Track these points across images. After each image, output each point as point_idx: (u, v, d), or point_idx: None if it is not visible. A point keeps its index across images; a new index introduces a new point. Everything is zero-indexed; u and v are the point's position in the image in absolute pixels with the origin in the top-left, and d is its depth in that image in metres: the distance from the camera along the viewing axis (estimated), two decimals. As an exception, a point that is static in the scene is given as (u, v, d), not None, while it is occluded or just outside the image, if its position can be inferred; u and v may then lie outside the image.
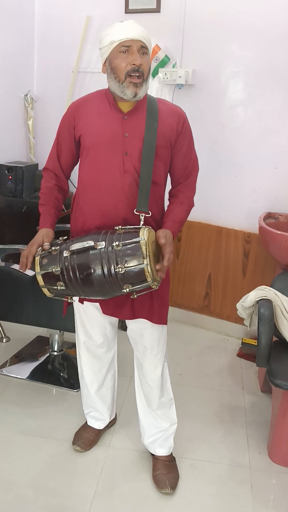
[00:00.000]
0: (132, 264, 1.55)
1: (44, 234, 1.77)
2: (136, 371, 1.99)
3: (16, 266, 2.41)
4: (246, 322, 2.32)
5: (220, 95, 2.90)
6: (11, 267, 2.40)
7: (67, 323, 2.35)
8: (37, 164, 3.40)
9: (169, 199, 1.87)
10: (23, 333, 2.96)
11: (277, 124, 2.79)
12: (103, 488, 1.91)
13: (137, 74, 1.63)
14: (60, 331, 2.68)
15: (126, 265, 1.55)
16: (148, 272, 1.55)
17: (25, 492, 1.87)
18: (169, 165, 1.81)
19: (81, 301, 1.88)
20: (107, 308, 1.82)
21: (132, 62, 1.62)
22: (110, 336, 1.99)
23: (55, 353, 2.72)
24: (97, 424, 2.13)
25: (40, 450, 2.09)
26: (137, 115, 1.71)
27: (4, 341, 2.91)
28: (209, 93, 2.92)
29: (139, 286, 1.59)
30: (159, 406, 1.96)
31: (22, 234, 3.17)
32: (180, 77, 2.86)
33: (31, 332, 2.95)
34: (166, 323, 1.88)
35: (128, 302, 1.76)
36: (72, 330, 2.37)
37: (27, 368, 2.64)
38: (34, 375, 2.59)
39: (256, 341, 2.07)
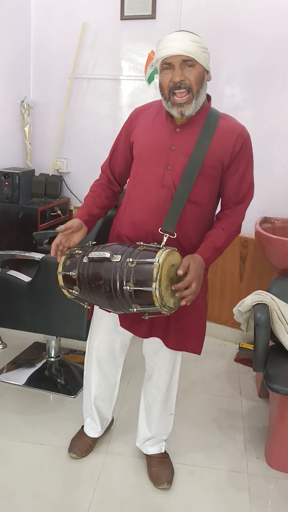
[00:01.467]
0: (141, 285, 1.48)
1: (66, 223, 1.69)
2: (145, 379, 1.99)
3: (12, 272, 2.41)
4: (243, 327, 2.32)
5: (216, 100, 2.88)
6: (8, 273, 2.40)
7: (64, 329, 2.35)
8: (33, 170, 3.41)
9: (214, 223, 1.76)
10: (20, 339, 2.95)
11: (272, 129, 2.80)
12: (100, 495, 1.90)
13: (181, 91, 1.56)
14: (57, 337, 2.67)
15: (135, 284, 1.49)
16: (156, 296, 1.47)
17: (22, 500, 1.86)
18: (217, 186, 1.71)
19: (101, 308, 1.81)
20: (125, 322, 1.79)
21: (172, 80, 1.56)
22: (117, 354, 1.95)
23: (52, 359, 2.71)
24: (91, 432, 2.11)
25: (37, 457, 2.08)
26: (190, 129, 1.64)
27: (0, 347, 2.90)
28: (205, 99, 2.93)
29: (148, 308, 1.53)
30: (158, 419, 1.97)
31: (19, 240, 3.18)
32: (176, 83, 2.87)
33: (28, 338, 2.94)
34: (180, 350, 1.81)
35: (146, 321, 1.68)
36: (69, 336, 2.37)
37: (24, 374, 2.63)
38: (31, 382, 2.57)
39: (253, 345, 2.07)
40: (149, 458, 2.03)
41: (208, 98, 1.70)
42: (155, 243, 1.59)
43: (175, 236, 1.62)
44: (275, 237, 2.43)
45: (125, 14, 3.04)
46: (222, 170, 1.67)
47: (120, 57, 3.15)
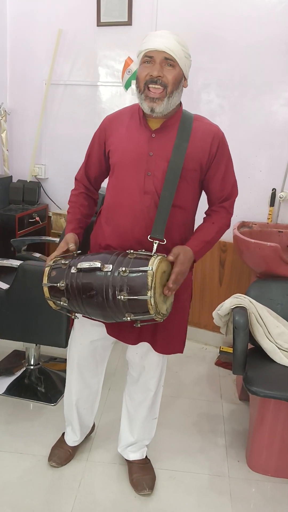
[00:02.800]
0: (135, 294, 1.47)
1: (67, 240, 1.70)
2: (127, 385, 1.97)
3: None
4: (222, 330, 2.33)
5: (193, 106, 2.92)
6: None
7: (43, 337, 2.33)
8: (11, 177, 3.39)
9: (203, 219, 1.78)
10: (-2, 347, 2.92)
11: (248, 134, 2.84)
12: (81, 503, 1.88)
13: (156, 86, 1.55)
14: (36, 345, 2.64)
15: (129, 293, 1.48)
16: (151, 304, 1.46)
17: (2, 510, 1.83)
18: (199, 189, 1.72)
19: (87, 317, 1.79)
20: (113, 330, 1.77)
21: (150, 73, 1.56)
22: (99, 359, 1.94)
23: (32, 367, 2.68)
24: (71, 441, 2.09)
25: (16, 466, 2.05)
26: (166, 134, 1.63)
27: (-21, 356, 2.86)
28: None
29: (141, 316, 1.52)
30: (141, 423, 1.96)
31: (-4, 247, 3.15)
32: (152, 89, 2.89)
33: (6, 346, 2.91)
34: (168, 353, 1.82)
35: (135, 327, 1.66)
36: (48, 343, 2.35)
37: (3, 383, 2.59)
38: (11, 390, 2.54)
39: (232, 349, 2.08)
40: (130, 464, 2.02)
41: (179, 105, 1.70)
42: (143, 250, 1.58)
43: (165, 242, 1.60)
44: (252, 241, 2.45)
45: (102, 21, 3.05)
46: (201, 171, 1.68)
47: (97, 63, 3.16)
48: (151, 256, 1.53)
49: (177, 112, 1.66)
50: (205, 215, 1.79)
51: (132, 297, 1.47)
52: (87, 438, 2.18)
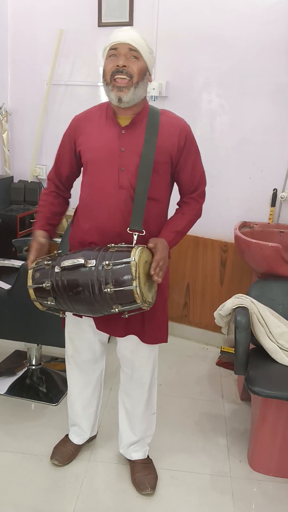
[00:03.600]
0: (121, 285, 1.51)
1: (36, 237, 1.76)
2: (122, 383, 1.98)
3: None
4: (223, 330, 2.34)
5: (193, 106, 2.94)
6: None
7: (45, 337, 2.34)
8: (12, 177, 3.39)
9: (175, 210, 1.85)
10: (0, 347, 2.92)
11: (249, 134, 2.84)
12: (84, 502, 1.89)
13: (122, 76, 1.59)
14: (38, 345, 2.65)
15: (115, 285, 1.52)
16: (137, 294, 1.51)
17: (4, 511, 1.83)
18: (170, 181, 1.78)
19: (77, 315, 1.83)
20: (101, 324, 1.80)
21: (116, 64, 1.60)
22: (98, 354, 1.96)
23: (33, 367, 2.69)
24: (77, 439, 2.10)
25: (18, 466, 2.05)
26: (135, 129, 1.67)
27: (-19, 357, 2.86)
28: (183, 105, 2.96)
29: (129, 307, 1.56)
30: (141, 420, 1.97)
31: (-2, 247, 3.15)
32: (153, 89, 2.90)
33: (8, 346, 2.91)
34: (156, 343, 1.85)
35: (122, 320, 1.72)
36: (50, 343, 2.36)
37: (4, 383, 2.60)
38: (12, 390, 2.55)
39: (234, 349, 2.09)
40: (132, 463, 2.02)
41: (146, 100, 1.74)
42: (123, 243, 1.63)
43: (144, 233, 1.66)
44: (254, 241, 2.45)
45: (102, 21, 3.05)
46: (172, 164, 1.73)
47: (98, 63, 3.16)
48: (132, 247, 1.58)
49: (144, 108, 1.71)
50: (177, 206, 1.86)
51: (118, 289, 1.52)
52: (89, 440, 2.17)
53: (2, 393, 2.52)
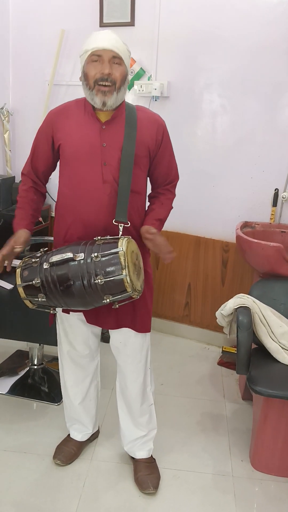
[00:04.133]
0: (111, 275, 1.55)
1: (17, 236, 1.78)
2: (118, 379, 1.99)
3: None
4: (225, 330, 2.34)
5: (195, 106, 2.95)
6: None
7: (47, 336, 2.34)
8: (13, 177, 3.39)
9: (149, 201, 1.89)
10: (1, 347, 2.92)
11: (250, 134, 2.84)
12: (86, 502, 1.89)
13: (105, 83, 1.64)
14: (39, 345, 2.65)
15: (105, 276, 1.55)
16: (128, 282, 1.55)
17: (6, 510, 1.84)
18: (147, 174, 1.83)
19: (65, 311, 1.87)
20: (91, 318, 1.82)
21: (101, 71, 1.63)
22: (94, 347, 1.99)
23: (35, 367, 2.69)
24: (80, 436, 2.11)
25: (21, 466, 2.06)
26: (115, 124, 1.71)
27: (-18, 356, 2.87)
28: (184, 105, 2.96)
29: (120, 296, 1.59)
30: (140, 413, 1.97)
31: None
32: (155, 89, 2.90)
33: (10, 346, 2.91)
34: (149, 331, 1.89)
35: (112, 312, 1.76)
36: (52, 343, 2.36)
37: (6, 383, 2.60)
38: (14, 390, 2.55)
39: (236, 349, 2.09)
40: (136, 462, 2.03)
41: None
42: (108, 236, 1.67)
43: (129, 224, 1.71)
44: (255, 241, 2.46)
45: (104, 21, 3.05)
46: (150, 157, 1.78)
47: (100, 64, 3.16)
48: (118, 238, 1.62)
49: (121, 104, 1.75)
50: (150, 197, 1.91)
51: (108, 279, 1.55)
52: (92, 438, 2.18)
53: (4, 392, 2.53)
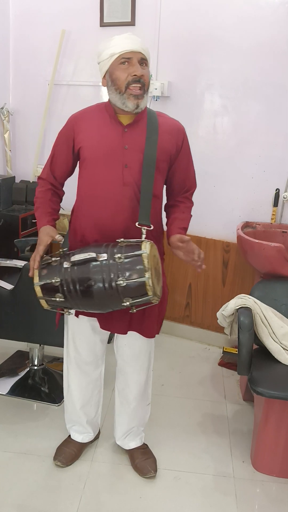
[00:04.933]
0: (134, 277, 1.53)
1: (47, 232, 1.75)
2: (118, 377, 2.00)
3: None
4: (226, 331, 2.33)
5: (196, 107, 2.94)
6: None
7: (47, 337, 2.33)
8: (14, 177, 3.39)
9: (167, 210, 1.88)
10: (2, 348, 2.91)
11: (252, 135, 2.83)
12: (87, 503, 1.88)
13: (138, 85, 1.63)
14: (40, 345, 2.64)
15: (127, 278, 1.53)
16: (149, 285, 1.53)
17: (7, 511, 1.83)
18: (165, 179, 1.82)
19: (76, 314, 1.84)
20: (105, 323, 1.80)
21: (133, 73, 1.63)
22: (99, 354, 1.98)
23: (36, 368, 2.68)
24: (81, 437, 2.11)
25: (21, 467, 2.05)
26: (137, 128, 1.71)
27: (-17, 357, 2.86)
28: (185, 105, 2.96)
29: (139, 300, 1.57)
30: (138, 411, 2.01)
31: (0, 247, 3.15)
32: (156, 89, 2.90)
33: (10, 347, 2.91)
34: (154, 336, 1.88)
35: (125, 317, 1.75)
36: (52, 343, 2.35)
37: (7, 383, 2.59)
38: (15, 391, 2.54)
39: (237, 349, 2.08)
40: (130, 451, 2.07)
41: None
42: (130, 239, 1.65)
43: (152, 227, 1.69)
44: (256, 241, 2.45)
45: (105, 21, 3.05)
46: (170, 163, 1.78)
47: (100, 64, 3.16)
48: (141, 241, 1.60)
49: (144, 108, 1.75)
50: (170, 206, 1.90)
51: (131, 281, 1.53)
52: (92, 440, 2.17)
53: (4, 393, 2.52)
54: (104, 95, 3.21)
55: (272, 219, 2.85)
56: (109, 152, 1.69)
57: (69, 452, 2.07)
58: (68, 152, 1.80)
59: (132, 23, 2.98)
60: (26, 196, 3.32)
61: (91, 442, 2.17)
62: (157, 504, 1.90)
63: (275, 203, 2.83)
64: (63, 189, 1.92)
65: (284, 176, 2.80)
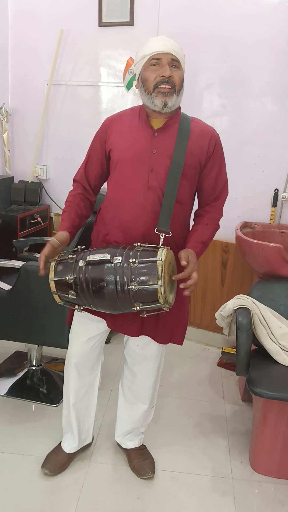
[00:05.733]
0: (146, 283, 1.53)
1: (56, 236, 1.72)
2: (125, 376, 1.99)
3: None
4: (225, 331, 2.33)
5: (195, 106, 2.93)
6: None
7: (46, 338, 2.33)
8: (12, 177, 3.38)
9: (194, 219, 1.85)
10: (0, 348, 2.91)
11: (251, 134, 2.83)
12: (84, 504, 1.88)
13: (166, 86, 1.62)
14: (38, 346, 2.64)
15: (139, 283, 1.53)
16: (161, 293, 1.52)
17: (4, 512, 1.83)
18: (195, 186, 1.79)
19: (87, 310, 1.78)
20: (114, 324, 1.79)
21: (161, 74, 1.62)
22: (96, 356, 1.94)
23: (34, 368, 2.68)
24: (69, 448, 2.05)
25: (19, 468, 2.04)
26: (167, 132, 1.70)
27: (-19, 357, 2.85)
28: (184, 105, 2.94)
29: (150, 306, 1.57)
30: (141, 413, 2.00)
31: (-2, 247, 3.14)
32: (154, 89, 2.89)
33: (8, 347, 2.90)
34: (168, 343, 1.87)
35: (138, 320, 1.74)
36: (50, 344, 2.35)
37: (5, 384, 2.59)
38: (13, 391, 2.54)
39: (235, 350, 2.08)
40: (128, 451, 2.08)
41: (178, 106, 1.76)
42: (147, 244, 1.64)
43: (170, 235, 1.67)
44: (255, 241, 2.44)
45: (103, 21, 3.04)
46: (200, 169, 1.75)
47: (99, 63, 3.16)
48: (158, 248, 1.59)
49: (177, 113, 1.74)
50: (196, 215, 1.86)
51: (142, 287, 1.53)
52: (83, 448, 2.12)
53: (2, 394, 2.51)
54: (102, 95, 3.21)
55: (271, 219, 2.84)
56: (137, 155, 1.68)
57: (58, 460, 2.02)
58: (101, 154, 1.80)
59: (131, 23, 2.98)
60: (24, 196, 3.32)
61: (81, 451, 2.11)
62: (155, 505, 1.90)
63: (274, 203, 2.82)
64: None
65: (283, 176, 2.80)
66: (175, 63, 1.64)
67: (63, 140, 3.36)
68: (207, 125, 1.79)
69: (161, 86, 1.62)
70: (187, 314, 1.90)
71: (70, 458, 2.07)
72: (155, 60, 1.64)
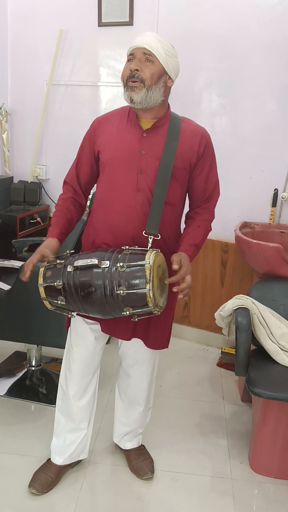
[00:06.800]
0: (134, 287, 1.50)
1: (46, 244, 1.70)
2: (121, 378, 1.99)
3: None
4: (224, 331, 2.33)
5: (194, 106, 2.93)
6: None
7: (45, 338, 2.33)
8: (12, 177, 3.38)
9: (185, 222, 1.83)
10: None
11: (250, 134, 2.83)
12: (83, 505, 1.88)
13: (133, 80, 1.60)
14: (37, 346, 2.64)
15: (128, 287, 1.50)
16: (150, 297, 1.49)
17: (3, 513, 1.83)
18: (186, 187, 1.76)
19: (79, 315, 1.75)
20: (107, 327, 1.77)
21: (130, 68, 1.61)
22: (97, 359, 1.90)
23: (33, 368, 2.68)
24: (61, 460, 1.95)
25: (18, 468, 2.04)
26: (157, 133, 1.67)
27: (-20, 358, 2.85)
28: (183, 105, 2.94)
29: (140, 310, 1.54)
30: (138, 415, 1.99)
31: (-2, 247, 3.14)
32: (154, 89, 2.88)
33: (7, 347, 2.90)
34: (159, 348, 1.86)
35: (130, 323, 1.72)
36: (49, 344, 2.35)
37: (4, 384, 2.59)
38: (12, 391, 2.54)
39: (235, 350, 2.08)
40: (127, 452, 2.07)
41: (168, 106, 1.74)
42: (137, 247, 1.61)
43: (159, 237, 1.64)
44: (254, 241, 2.44)
45: (103, 21, 3.04)
46: (190, 170, 1.73)
47: (98, 63, 3.16)
48: (146, 251, 1.56)
49: (166, 113, 1.72)
50: (187, 217, 1.83)
51: (131, 291, 1.50)
52: (75, 463, 2.03)
53: (1, 394, 2.51)
54: (102, 95, 3.21)
55: (270, 219, 2.84)
56: (125, 156, 1.66)
57: (45, 478, 1.92)
58: (90, 155, 1.78)
59: (130, 22, 2.98)
60: (24, 196, 3.32)
61: (72, 467, 2.02)
62: (154, 506, 1.89)
63: (274, 203, 2.82)
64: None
65: (282, 176, 2.80)
66: (147, 57, 1.60)
67: (63, 140, 3.35)
68: (198, 125, 1.76)
69: (129, 80, 1.61)
70: (172, 318, 1.88)
71: (59, 475, 1.96)
72: (130, 56, 1.63)
